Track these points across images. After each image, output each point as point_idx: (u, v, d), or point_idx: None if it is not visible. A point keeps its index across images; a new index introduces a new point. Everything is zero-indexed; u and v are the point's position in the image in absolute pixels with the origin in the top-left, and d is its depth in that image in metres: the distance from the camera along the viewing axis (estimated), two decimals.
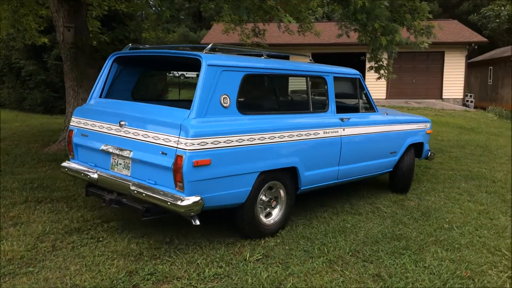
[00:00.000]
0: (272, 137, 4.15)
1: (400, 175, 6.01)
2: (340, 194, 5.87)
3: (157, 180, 3.80)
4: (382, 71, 8.24)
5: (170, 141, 3.65)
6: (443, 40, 20.44)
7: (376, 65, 8.18)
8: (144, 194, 3.76)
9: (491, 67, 23.87)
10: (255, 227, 4.21)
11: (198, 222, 3.69)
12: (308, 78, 4.85)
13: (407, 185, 6.12)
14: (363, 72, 21.09)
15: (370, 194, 5.96)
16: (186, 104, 4.15)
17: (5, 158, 7.34)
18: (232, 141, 3.82)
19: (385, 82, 21.10)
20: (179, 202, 3.54)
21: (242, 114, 4.05)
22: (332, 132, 4.82)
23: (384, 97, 21.63)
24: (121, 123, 4.08)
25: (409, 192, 6.11)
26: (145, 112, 4.09)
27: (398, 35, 6.81)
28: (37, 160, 7.28)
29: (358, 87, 5.54)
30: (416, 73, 21.96)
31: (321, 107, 4.96)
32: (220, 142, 3.73)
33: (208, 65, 3.83)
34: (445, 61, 21.64)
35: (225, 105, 3.92)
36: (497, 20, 29.34)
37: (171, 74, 23.34)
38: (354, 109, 5.51)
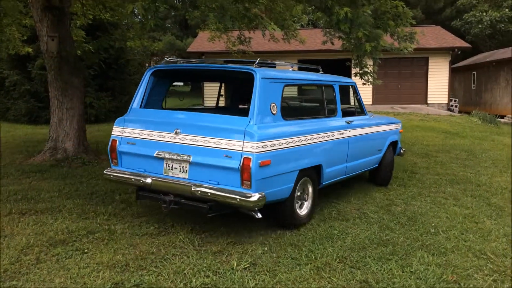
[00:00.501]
0: (307, 139, 4.79)
1: (383, 170, 6.76)
2: (327, 200, 5.89)
3: (219, 180, 4.24)
4: (367, 77, 8.31)
5: (235, 145, 4.15)
6: (427, 45, 20.72)
7: (361, 71, 8.25)
8: (209, 194, 4.17)
9: (475, 72, 24.23)
10: (294, 219, 4.76)
11: (260, 215, 4.25)
12: (323, 87, 5.53)
13: (388, 178, 6.89)
14: (349, 77, 21.24)
15: (357, 199, 5.99)
16: (223, 111, 5.10)
17: None
18: (283, 143, 4.42)
19: (370, 88, 21.27)
20: (248, 198, 4.04)
21: (284, 120, 4.62)
22: (342, 134, 5.54)
23: (370, 103, 21.80)
24: (176, 131, 4.48)
25: (396, 197, 6.15)
26: (203, 120, 4.56)
27: (383, 41, 6.89)
28: (21, 172, 7.19)
29: (353, 93, 6.32)
30: (401, 78, 22.20)
31: (332, 112, 5.63)
32: (275, 144, 4.30)
33: (261, 77, 4.40)
34: (429, 67, 21.92)
35: (273, 112, 4.50)
36: (480, 26, 29.83)
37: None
38: (352, 113, 6.18)
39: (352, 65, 8.77)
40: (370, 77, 8.28)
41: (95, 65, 13.68)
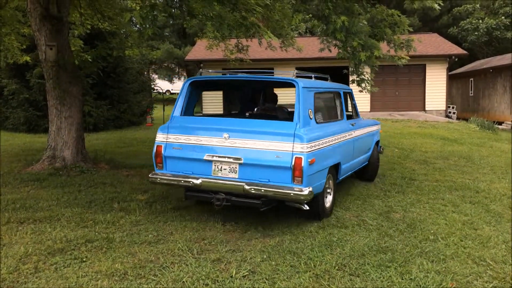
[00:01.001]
0: (333, 140, 5.49)
1: (371, 166, 7.52)
2: None
3: (270, 178, 4.79)
4: (363, 85, 8.35)
5: (285, 146, 4.72)
6: (424, 53, 20.82)
7: (358, 78, 8.29)
8: (263, 190, 4.72)
9: (472, 79, 24.32)
10: (323, 210, 5.35)
11: (307, 207, 4.91)
12: (335, 94, 6.26)
13: (375, 174, 7.71)
14: (346, 85, 21.31)
15: (356, 206, 5.98)
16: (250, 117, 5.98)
17: None
18: (320, 144, 5.07)
19: (368, 95, 21.33)
20: (300, 192, 4.62)
21: (317, 123, 5.28)
22: (350, 135, 6.25)
23: (368, 110, 21.85)
24: (225, 135, 4.97)
25: (395, 204, 6.15)
26: (251, 125, 5.13)
27: (377, 51, 6.94)
28: (20, 180, 7.18)
29: (350, 99, 7.13)
30: (399, 85, 22.27)
31: (341, 115, 6.33)
32: (317, 145, 4.95)
33: (302, 87, 5.06)
34: (427, 74, 22.00)
35: (311, 117, 5.15)
36: (476, 33, 29.98)
37: (155, 91, 23.34)
38: (350, 116, 6.90)
39: (349, 72, 8.84)
40: (367, 84, 8.31)
41: (94, 73, 13.72)
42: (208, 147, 5.04)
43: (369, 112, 21.69)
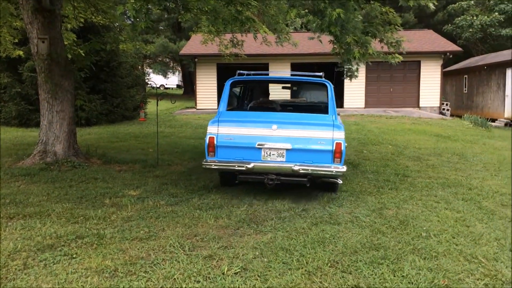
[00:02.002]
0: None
1: None
2: (318, 203, 5.87)
3: (313, 160, 5.84)
4: (350, 74, 8.35)
5: (327, 134, 5.82)
6: (419, 49, 20.86)
7: (349, 73, 8.28)
8: (310, 170, 5.76)
9: (466, 76, 24.40)
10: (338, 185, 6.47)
11: (341, 181, 6.19)
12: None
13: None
14: (342, 82, 21.34)
15: (349, 203, 5.97)
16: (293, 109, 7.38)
17: None
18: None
19: (363, 91, 21.36)
20: (341, 169, 5.74)
21: (333, 114, 6.17)
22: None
23: (363, 106, 21.87)
24: (274, 127, 5.90)
25: (388, 200, 6.14)
26: (295, 118, 6.19)
27: (371, 48, 6.91)
28: (10, 175, 7.10)
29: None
30: (393, 82, 22.29)
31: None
32: (343, 132, 5.95)
33: (330, 86, 6.30)
34: (422, 70, 22.04)
35: (336, 110, 6.23)
36: (470, 30, 30.05)
37: (149, 85, 23.23)
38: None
39: (343, 68, 8.85)
40: (355, 74, 8.33)
41: (87, 67, 13.60)
42: (259, 136, 5.93)
43: (364, 108, 21.71)
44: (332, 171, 5.74)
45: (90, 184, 6.68)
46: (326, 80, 6.36)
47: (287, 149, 5.86)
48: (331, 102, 6.20)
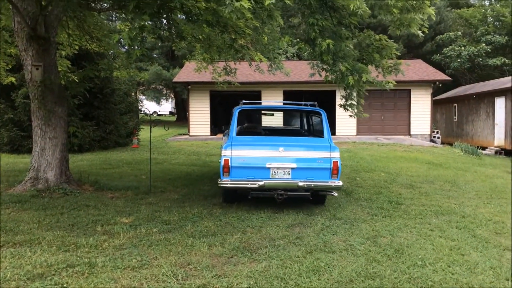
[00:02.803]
0: None
1: None
2: (313, 231, 5.83)
3: (314, 177, 6.79)
4: (353, 110, 8.40)
5: (325, 154, 6.82)
6: (409, 78, 21.18)
7: (347, 103, 8.34)
8: (313, 185, 6.75)
9: (456, 104, 24.75)
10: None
11: (335, 194, 7.17)
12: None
13: None
14: (334, 110, 21.55)
15: (343, 231, 5.94)
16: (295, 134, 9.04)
17: None
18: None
19: (355, 119, 21.55)
20: (338, 184, 6.78)
21: (329, 137, 7.24)
22: None
23: (355, 134, 22.02)
24: (280, 149, 6.80)
25: (382, 228, 6.12)
26: (297, 141, 7.42)
27: (365, 75, 7.00)
28: (1, 202, 6.99)
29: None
30: (384, 110, 22.54)
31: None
32: (338, 152, 6.94)
33: (324, 114, 7.44)
34: (412, 98, 22.35)
35: (329, 133, 7.31)
36: (459, 60, 30.69)
37: (142, 112, 23.28)
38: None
39: (338, 97, 8.93)
40: (355, 109, 8.36)
41: (80, 94, 13.63)
42: (268, 157, 6.80)
43: (355, 135, 21.85)
44: (331, 186, 6.79)
45: (82, 211, 6.60)
46: (320, 109, 7.45)
47: (292, 168, 6.79)
48: (326, 127, 7.24)
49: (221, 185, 6.74)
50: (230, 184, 6.70)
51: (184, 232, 5.67)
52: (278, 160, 6.78)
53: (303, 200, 7.55)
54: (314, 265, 4.60)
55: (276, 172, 6.79)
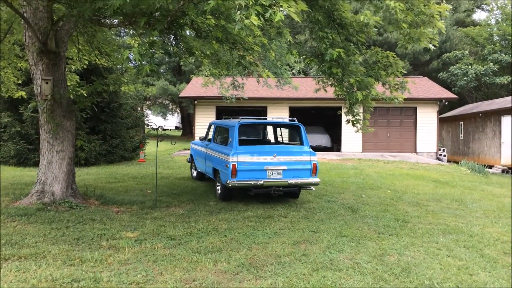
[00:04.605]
0: None
1: None
2: (319, 248, 5.78)
3: (299, 176, 8.76)
4: (359, 125, 8.41)
5: (307, 158, 8.85)
6: (415, 96, 21.20)
7: (353, 119, 8.35)
8: (299, 182, 8.71)
9: (462, 122, 24.70)
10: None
11: (314, 188, 9.29)
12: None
13: None
14: (339, 125, 21.57)
15: (350, 248, 5.89)
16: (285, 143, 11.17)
17: None
18: None
19: (360, 136, 21.54)
20: (317, 180, 8.88)
21: (307, 145, 9.17)
22: None
23: (360, 150, 21.98)
24: (274, 155, 8.69)
25: (389, 246, 6.06)
26: (287, 149, 9.27)
27: (374, 90, 7.01)
28: (7, 215, 7.01)
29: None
30: (390, 127, 22.52)
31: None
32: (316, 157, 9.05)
33: (302, 127, 9.30)
34: (418, 116, 22.33)
35: (307, 142, 9.24)
36: (465, 78, 30.69)
37: (148, 127, 23.39)
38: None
39: (343, 112, 9.01)
40: (361, 125, 8.38)
41: (88, 108, 13.73)
42: (265, 162, 8.62)
43: (361, 152, 21.81)
44: (312, 182, 8.84)
45: (87, 225, 6.59)
46: (300, 123, 9.36)
47: (283, 169, 8.67)
48: (304, 137, 9.21)
49: (230, 185, 8.31)
50: (238, 184, 8.31)
51: (189, 248, 5.64)
52: (273, 164, 8.63)
53: (308, 216, 7.51)
54: (320, 283, 4.56)
55: (271, 173, 8.60)
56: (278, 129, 11.71)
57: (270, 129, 12.76)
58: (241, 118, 9.50)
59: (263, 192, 8.65)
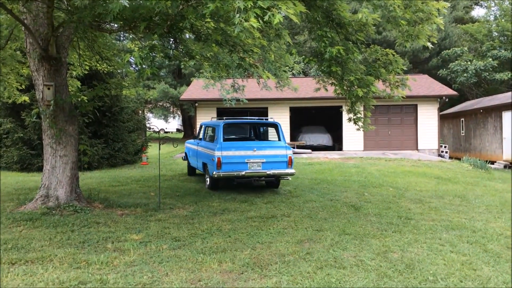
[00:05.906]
0: None
1: None
2: (323, 246, 5.82)
3: (277, 168, 9.97)
4: (360, 123, 8.44)
5: (283, 152, 10.15)
6: (416, 93, 21.23)
7: (354, 117, 8.38)
8: (277, 173, 9.94)
9: (463, 119, 24.71)
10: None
11: (290, 178, 10.90)
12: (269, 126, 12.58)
13: None
14: (340, 124, 21.61)
15: (353, 246, 5.92)
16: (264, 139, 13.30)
17: None
18: None
19: (362, 134, 21.57)
20: (292, 171, 10.19)
21: (284, 141, 10.55)
22: None
23: (362, 149, 22.01)
24: (254, 149, 9.93)
25: (392, 243, 6.10)
26: (266, 144, 10.75)
27: (374, 87, 7.03)
28: (12, 220, 7.06)
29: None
30: (391, 125, 22.55)
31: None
32: (291, 151, 10.49)
33: (279, 125, 10.76)
34: (418, 113, 22.36)
35: (284, 138, 10.70)
36: (465, 75, 30.69)
37: (150, 130, 23.45)
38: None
39: (344, 111, 9.05)
40: (362, 123, 8.41)
41: (90, 112, 13.79)
42: (246, 155, 9.86)
43: (363, 150, 21.84)
44: (288, 172, 10.11)
45: (92, 229, 6.64)
46: (277, 122, 10.87)
47: (262, 162, 9.92)
48: (281, 134, 10.61)
49: (215, 176, 9.66)
50: (222, 174, 9.67)
51: (194, 249, 5.69)
52: (253, 157, 9.88)
53: (311, 214, 7.54)
54: (325, 281, 4.60)
55: (252, 165, 9.85)
56: (261, 128, 12.94)
57: (249, 127, 13.63)
58: (225, 118, 10.92)
59: (245, 181, 10.24)
